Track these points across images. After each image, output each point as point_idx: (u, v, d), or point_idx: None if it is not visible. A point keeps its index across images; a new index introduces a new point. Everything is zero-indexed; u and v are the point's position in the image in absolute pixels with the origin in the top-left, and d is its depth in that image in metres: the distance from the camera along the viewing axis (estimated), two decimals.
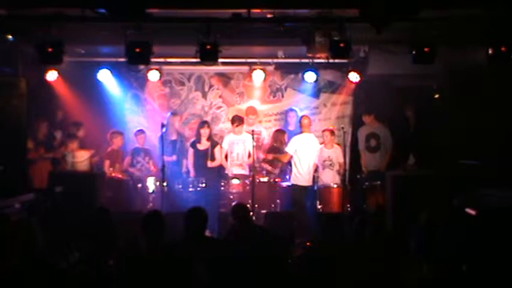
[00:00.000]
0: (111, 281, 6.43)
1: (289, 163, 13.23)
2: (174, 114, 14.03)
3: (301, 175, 13.03)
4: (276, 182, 13.00)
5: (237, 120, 13.39)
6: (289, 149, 13.08)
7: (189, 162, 13.26)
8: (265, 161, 13.56)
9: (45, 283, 5.69)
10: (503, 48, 10.98)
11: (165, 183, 12.01)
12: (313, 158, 13.13)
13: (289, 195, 12.96)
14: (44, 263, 6.41)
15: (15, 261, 5.31)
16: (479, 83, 12.39)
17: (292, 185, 13.05)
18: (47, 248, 7.03)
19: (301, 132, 13.29)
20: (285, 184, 13.04)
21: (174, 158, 13.44)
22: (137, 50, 11.31)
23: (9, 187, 10.27)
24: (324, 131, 13.45)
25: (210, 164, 13.08)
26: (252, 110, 14.22)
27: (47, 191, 11.46)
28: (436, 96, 14.20)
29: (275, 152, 13.45)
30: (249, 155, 13.06)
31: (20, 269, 5.34)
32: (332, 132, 13.33)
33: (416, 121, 13.81)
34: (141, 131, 13.80)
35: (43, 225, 7.53)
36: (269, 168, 13.41)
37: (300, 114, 14.12)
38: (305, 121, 13.34)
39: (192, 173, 13.13)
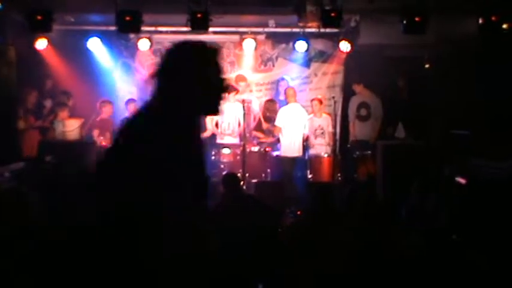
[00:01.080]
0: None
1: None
2: None
3: (289, 146, 13.00)
4: (266, 151, 12.96)
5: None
6: (278, 122, 13.04)
7: None
8: (257, 129, 13.54)
9: (39, 250, 5.70)
10: (493, 18, 10.96)
11: None
12: (300, 128, 13.08)
13: (280, 165, 12.97)
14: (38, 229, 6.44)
15: (7, 229, 5.29)
16: (470, 53, 12.39)
17: (281, 156, 13.05)
18: (41, 215, 7.04)
19: (286, 103, 13.28)
20: (275, 154, 13.02)
21: None
22: (127, 18, 11.27)
23: None
24: (312, 100, 13.43)
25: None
26: (241, 77, 14.21)
27: (37, 159, 11.44)
28: (427, 66, 14.18)
29: (268, 121, 13.43)
30: (240, 124, 13.04)
31: (13, 236, 5.34)
32: (320, 101, 13.30)
33: (407, 91, 13.81)
34: (132, 100, 13.72)
35: (33, 193, 7.50)
36: (261, 137, 13.38)
37: (292, 83, 14.12)
38: (290, 92, 13.30)
39: None
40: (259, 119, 13.66)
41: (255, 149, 12.97)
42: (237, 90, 13.39)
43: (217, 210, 8.04)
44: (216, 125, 13.36)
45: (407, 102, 13.66)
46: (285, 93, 13.37)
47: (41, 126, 13.27)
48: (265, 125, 13.46)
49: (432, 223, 5.81)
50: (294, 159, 13.00)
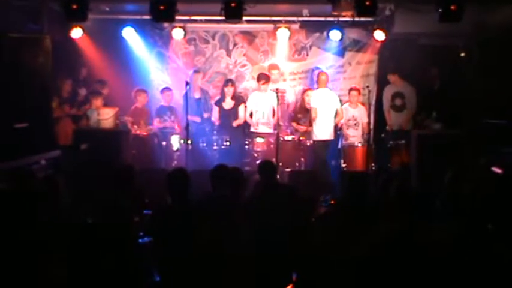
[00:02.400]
0: (137, 237, 6.50)
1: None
2: (196, 72, 13.98)
3: (321, 129, 13.00)
4: (300, 140, 12.93)
5: (263, 78, 13.34)
6: (313, 103, 13.04)
7: (213, 119, 13.31)
8: (292, 119, 13.52)
9: (70, 238, 5.75)
10: None
11: (189, 141, 12.04)
12: (332, 112, 13.08)
13: (313, 152, 12.96)
14: (69, 218, 6.50)
15: (42, 217, 5.34)
16: (506, 42, 12.25)
17: (313, 141, 13.03)
18: (73, 205, 7.10)
19: (317, 88, 13.28)
20: (309, 142, 13.00)
21: (198, 119, 13.43)
22: (162, 7, 11.30)
23: (35, 144, 10.33)
24: (351, 89, 13.42)
25: (234, 123, 13.15)
26: (273, 66, 14.19)
27: (72, 148, 11.53)
28: (462, 55, 14.04)
29: (304, 110, 13.39)
30: (274, 114, 13.02)
31: (46, 225, 5.38)
32: (359, 91, 13.31)
33: (441, 80, 13.69)
34: (167, 89, 13.79)
35: (69, 182, 7.57)
36: (298, 127, 13.35)
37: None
38: (323, 77, 13.32)
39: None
40: (294, 108, 13.65)
41: (289, 138, 12.98)
42: (269, 80, 13.37)
43: (251, 200, 8.04)
44: (251, 114, 13.37)
45: (441, 92, 13.54)
46: (317, 77, 13.35)
47: (76, 115, 13.37)
48: (300, 114, 13.43)
49: (467, 213, 5.76)
50: (326, 143, 13.02)
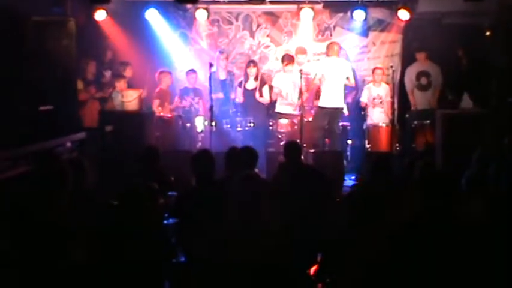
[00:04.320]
0: (162, 218, 6.53)
1: None
2: (221, 52, 13.99)
3: (326, 97, 12.79)
4: None
5: (287, 59, 13.29)
6: (319, 70, 12.89)
7: (237, 100, 13.30)
8: (316, 99, 13.42)
9: (95, 220, 5.78)
10: None
11: (213, 123, 12.06)
12: (341, 80, 12.82)
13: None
14: (94, 200, 6.53)
15: (67, 199, 5.37)
16: None
17: (319, 107, 12.91)
18: (98, 186, 7.14)
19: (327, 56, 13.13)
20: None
21: (221, 95, 13.44)
22: None
23: (60, 127, 10.38)
24: (375, 69, 13.39)
25: (259, 98, 13.12)
26: (301, 50, 14.02)
27: (97, 130, 11.59)
28: (488, 34, 13.91)
29: None
30: (298, 95, 12.97)
31: (70, 207, 5.41)
32: (383, 71, 13.23)
33: (467, 60, 13.58)
34: (192, 71, 13.78)
35: (94, 164, 7.61)
36: None
37: (350, 53, 14.05)
38: (335, 47, 13.05)
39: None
40: (319, 88, 13.58)
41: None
42: (293, 61, 13.31)
43: (276, 181, 8.04)
44: (275, 95, 13.35)
45: (468, 71, 13.44)
46: (327, 47, 13.16)
47: (101, 97, 13.40)
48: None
49: (492, 192, 5.74)
50: (331, 111, 12.82)
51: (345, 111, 13.20)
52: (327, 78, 12.76)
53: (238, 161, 7.33)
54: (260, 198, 5.24)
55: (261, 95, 13.24)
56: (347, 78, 12.86)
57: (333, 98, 12.74)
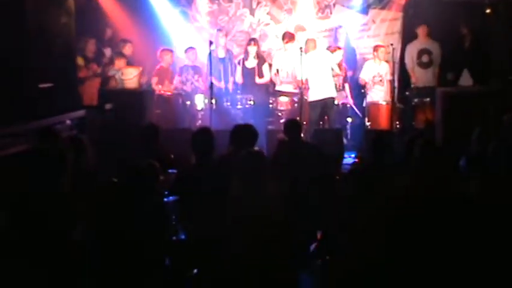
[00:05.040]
0: (161, 195, 6.54)
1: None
2: (220, 30, 13.93)
3: (314, 91, 12.58)
4: None
5: (287, 37, 13.22)
6: (304, 71, 12.54)
7: (236, 79, 13.28)
8: None
9: (95, 198, 5.80)
10: None
11: (213, 101, 12.05)
12: (328, 71, 12.62)
13: (338, 112, 12.87)
14: (94, 178, 6.55)
15: (67, 176, 5.37)
16: None
17: (308, 103, 12.66)
18: (98, 164, 7.15)
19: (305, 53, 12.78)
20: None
21: (222, 84, 13.39)
22: None
23: (60, 104, 10.37)
24: (377, 46, 13.30)
25: (258, 80, 13.11)
26: (300, 27, 14.01)
27: (97, 108, 11.58)
28: (488, 11, 13.86)
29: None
30: (298, 72, 12.92)
31: (71, 185, 5.41)
32: (386, 49, 13.15)
33: (470, 38, 13.51)
34: (191, 48, 13.71)
35: (93, 141, 7.60)
36: None
37: (350, 31, 14.02)
38: (310, 43, 12.84)
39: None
40: None
41: None
42: (294, 39, 13.27)
43: (276, 158, 8.05)
44: (275, 73, 13.32)
45: (473, 50, 13.39)
46: (306, 44, 12.86)
47: (103, 76, 13.37)
48: None
49: (492, 170, 5.74)
50: (324, 102, 12.62)
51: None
52: (312, 73, 12.56)
53: (239, 138, 7.34)
54: (264, 174, 5.27)
55: (260, 76, 13.19)
56: (332, 69, 12.75)
57: (321, 90, 12.56)
